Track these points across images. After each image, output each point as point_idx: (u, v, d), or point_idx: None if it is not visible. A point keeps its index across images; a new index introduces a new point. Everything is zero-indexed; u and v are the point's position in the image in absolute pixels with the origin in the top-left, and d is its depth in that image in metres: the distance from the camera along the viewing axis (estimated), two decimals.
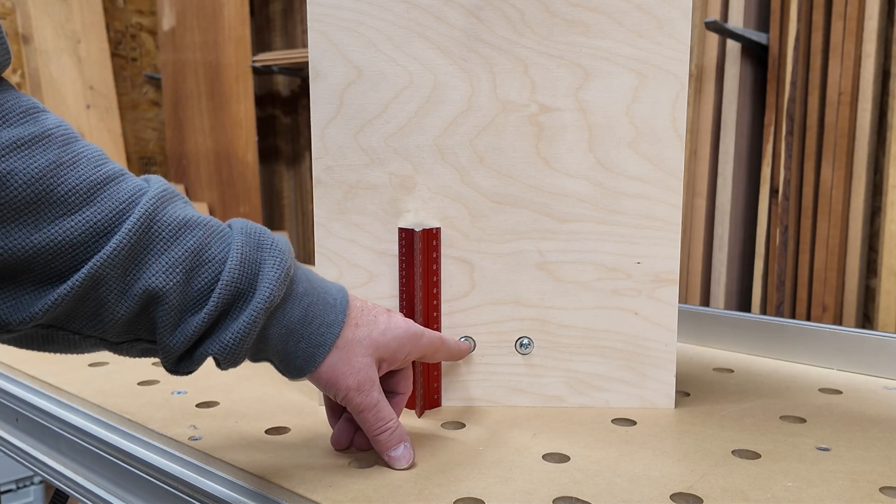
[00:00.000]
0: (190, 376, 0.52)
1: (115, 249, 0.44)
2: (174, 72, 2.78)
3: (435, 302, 0.67)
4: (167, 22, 2.77)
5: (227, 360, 0.50)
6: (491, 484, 0.53)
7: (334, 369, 0.53)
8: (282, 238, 0.53)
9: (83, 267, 0.44)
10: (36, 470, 0.74)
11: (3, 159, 0.42)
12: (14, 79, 2.61)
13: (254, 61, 2.47)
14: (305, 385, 0.74)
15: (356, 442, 0.60)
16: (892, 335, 0.77)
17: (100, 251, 0.44)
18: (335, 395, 0.54)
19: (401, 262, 0.67)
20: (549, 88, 0.65)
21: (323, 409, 0.68)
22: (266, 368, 0.63)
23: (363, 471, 0.56)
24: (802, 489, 0.52)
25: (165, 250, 0.46)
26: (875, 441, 0.61)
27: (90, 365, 0.81)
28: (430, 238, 0.66)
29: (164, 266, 0.46)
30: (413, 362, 0.67)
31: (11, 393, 0.77)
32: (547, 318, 0.68)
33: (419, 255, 0.66)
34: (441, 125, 0.66)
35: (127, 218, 0.45)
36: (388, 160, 0.67)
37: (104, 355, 0.84)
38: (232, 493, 0.56)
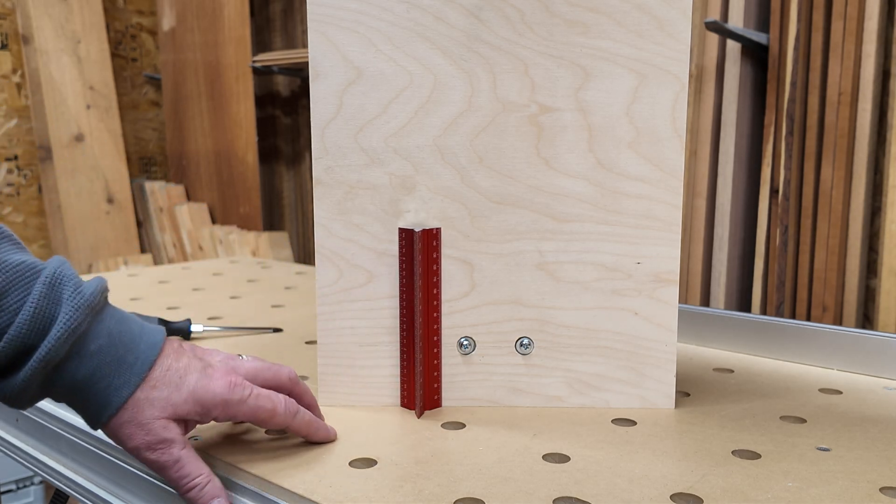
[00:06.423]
0: None
1: None
2: (174, 72, 2.78)
3: (435, 302, 0.67)
4: (167, 22, 2.77)
5: (13, 406, 0.52)
6: (491, 484, 0.53)
7: (120, 430, 0.53)
8: (91, 287, 0.52)
9: None
10: (36, 470, 0.74)
11: None
12: (14, 79, 2.62)
13: (254, 61, 2.47)
14: None
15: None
16: (892, 335, 0.77)
17: None
18: (127, 451, 0.54)
19: (401, 262, 0.67)
20: (549, 89, 0.65)
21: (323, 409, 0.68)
22: None
23: (363, 471, 0.56)
24: (803, 489, 0.52)
25: None
26: (875, 441, 0.61)
27: None
28: (430, 238, 0.66)
29: None
30: (412, 361, 0.67)
31: None
32: (547, 319, 0.68)
33: (419, 256, 0.66)
34: (441, 125, 0.66)
35: None
36: (388, 160, 0.67)
37: None
38: (231, 493, 0.56)
